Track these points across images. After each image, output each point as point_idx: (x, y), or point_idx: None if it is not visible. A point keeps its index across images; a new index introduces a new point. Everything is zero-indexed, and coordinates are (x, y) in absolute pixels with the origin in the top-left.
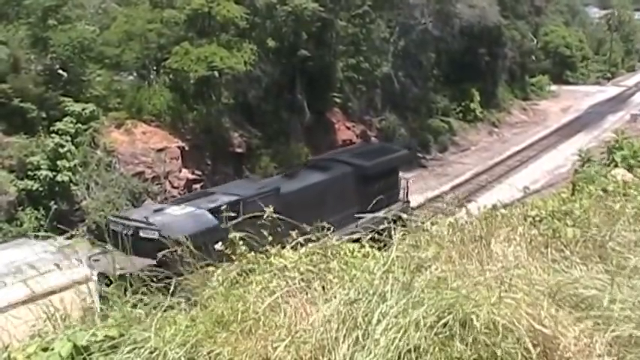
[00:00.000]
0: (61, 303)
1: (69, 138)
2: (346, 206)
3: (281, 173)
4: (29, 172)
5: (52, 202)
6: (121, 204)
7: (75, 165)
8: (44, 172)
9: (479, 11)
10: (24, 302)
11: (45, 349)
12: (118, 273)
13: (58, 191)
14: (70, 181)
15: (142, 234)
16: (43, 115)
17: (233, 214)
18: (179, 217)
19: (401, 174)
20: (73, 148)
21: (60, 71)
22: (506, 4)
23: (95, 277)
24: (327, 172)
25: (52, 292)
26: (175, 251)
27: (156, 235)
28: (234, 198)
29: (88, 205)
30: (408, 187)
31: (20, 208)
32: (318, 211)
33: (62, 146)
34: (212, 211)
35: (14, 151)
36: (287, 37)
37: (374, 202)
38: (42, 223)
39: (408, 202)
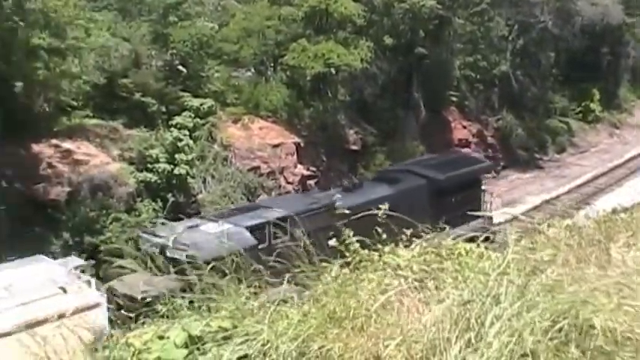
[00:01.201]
0: (60, 331)
1: (187, 132)
2: (415, 224)
3: (342, 186)
4: (148, 165)
5: (170, 195)
6: (236, 198)
7: (192, 158)
8: (163, 165)
9: (601, 9)
10: (9, 334)
11: (161, 337)
12: (140, 296)
13: (176, 184)
14: (188, 174)
15: (168, 253)
16: (163, 109)
17: (275, 232)
18: (211, 235)
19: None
20: (190, 142)
21: (179, 67)
22: (630, 1)
23: (104, 302)
24: (395, 186)
25: (48, 320)
26: (202, 274)
27: (182, 256)
28: (279, 214)
29: (204, 199)
30: (491, 201)
31: (139, 200)
32: (381, 230)
33: (180, 140)
34: (251, 228)
35: (134, 144)
36: (404, 35)
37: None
38: (159, 214)
39: (491, 217)
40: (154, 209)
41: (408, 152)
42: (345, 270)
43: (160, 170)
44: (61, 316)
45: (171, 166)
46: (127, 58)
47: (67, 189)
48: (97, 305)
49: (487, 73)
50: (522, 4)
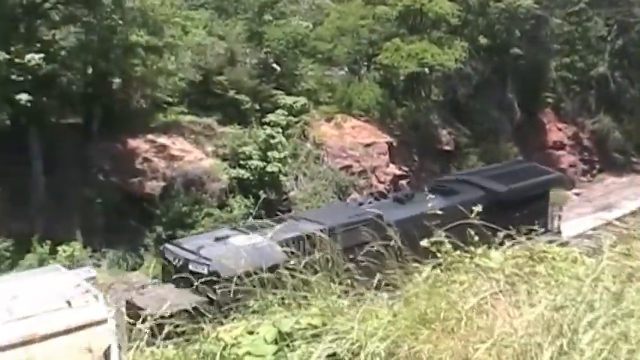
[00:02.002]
0: (58, 349)
1: (280, 130)
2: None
3: (393, 197)
4: (241, 162)
5: (261, 192)
6: (327, 196)
7: (285, 156)
8: (255, 162)
9: None
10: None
11: (251, 333)
12: (157, 311)
13: (268, 181)
14: (280, 171)
15: (191, 267)
16: (257, 106)
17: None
18: (238, 249)
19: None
20: (283, 139)
21: (274, 65)
22: None
23: (111, 318)
24: (450, 198)
25: (46, 337)
26: (228, 290)
27: (205, 270)
28: (317, 227)
29: (296, 196)
30: (560, 215)
31: (231, 196)
32: (410, 254)
33: (273, 137)
34: (285, 242)
35: (228, 141)
36: (499, 35)
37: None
38: (251, 211)
39: (559, 232)
40: (245, 205)
41: (502, 154)
42: (436, 271)
43: (252, 167)
44: (60, 333)
45: (264, 164)
46: (222, 56)
47: (162, 183)
48: (102, 322)
49: (584, 74)
50: (622, 4)
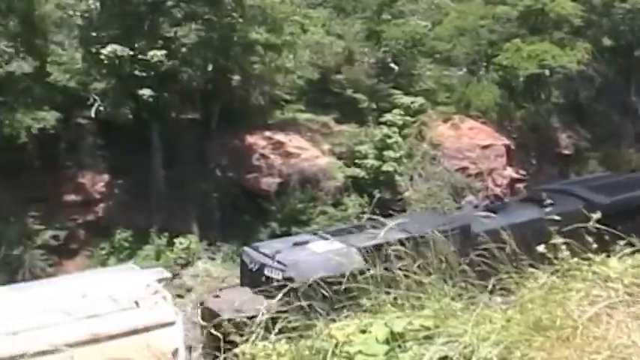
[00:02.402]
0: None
1: (396, 130)
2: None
3: (484, 206)
4: (357, 160)
5: (376, 191)
6: (442, 197)
7: (400, 156)
8: (371, 161)
9: None
10: (62, 350)
11: (363, 331)
12: (227, 316)
13: (383, 180)
14: (395, 171)
15: (266, 272)
16: (373, 106)
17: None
18: (315, 255)
19: None
20: (399, 139)
21: (391, 64)
22: None
23: (179, 320)
24: (545, 209)
25: (112, 337)
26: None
27: (279, 275)
28: (400, 235)
29: (410, 197)
30: None
31: (346, 194)
32: (525, 259)
33: (389, 137)
34: (365, 249)
35: (344, 140)
36: (624, 36)
37: None
38: (365, 210)
39: None
40: (360, 204)
41: (624, 160)
42: (553, 278)
43: (368, 166)
44: (127, 334)
45: (379, 163)
46: (340, 54)
47: (278, 180)
48: (170, 324)
49: None
50: None
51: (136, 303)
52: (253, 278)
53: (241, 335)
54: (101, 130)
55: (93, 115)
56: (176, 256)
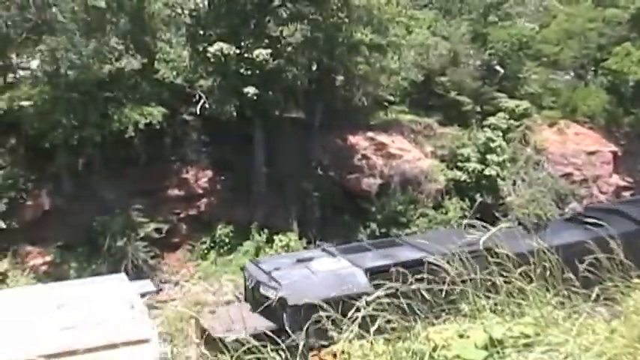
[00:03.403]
0: None
1: (500, 133)
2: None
3: (521, 224)
4: (459, 163)
5: (478, 195)
6: (545, 203)
7: (503, 160)
8: (473, 165)
9: None
10: None
11: (461, 336)
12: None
13: (485, 184)
14: (498, 175)
15: (261, 289)
16: (477, 109)
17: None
18: (314, 275)
19: None
20: (503, 143)
21: (497, 67)
22: None
23: (155, 338)
24: (592, 231)
25: (80, 351)
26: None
27: (273, 295)
28: (417, 255)
29: (513, 202)
30: None
31: (447, 197)
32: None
33: (493, 141)
34: (371, 271)
35: (447, 142)
36: None
37: None
38: (466, 213)
39: None
40: (461, 208)
41: None
42: None
43: (470, 170)
44: (102, 348)
45: (482, 167)
46: (445, 56)
47: (379, 181)
48: (144, 341)
49: None
50: None
51: (112, 317)
52: (251, 295)
53: (230, 354)
54: (205, 127)
55: (198, 111)
56: (275, 253)
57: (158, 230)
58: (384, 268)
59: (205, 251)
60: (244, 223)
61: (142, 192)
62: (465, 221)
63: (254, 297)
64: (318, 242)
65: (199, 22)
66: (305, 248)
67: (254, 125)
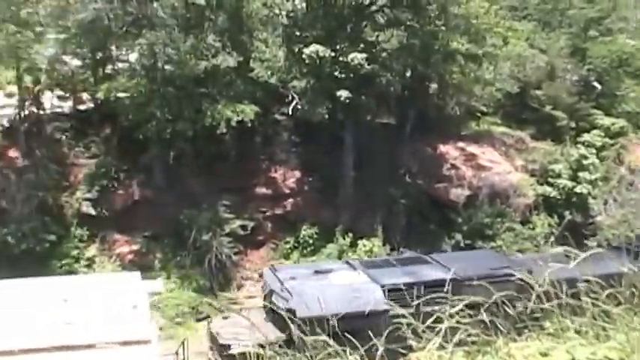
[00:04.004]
0: None
1: (594, 151)
2: None
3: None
4: (549, 179)
5: (567, 212)
6: (636, 225)
7: (596, 179)
8: (564, 181)
9: None
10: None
11: (543, 354)
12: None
13: (575, 202)
14: (589, 193)
15: (274, 298)
16: (572, 124)
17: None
18: (329, 288)
19: None
20: (596, 161)
21: (594, 83)
22: None
23: (155, 339)
24: (629, 261)
25: (80, 347)
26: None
27: (283, 306)
28: (440, 275)
29: (603, 222)
30: None
31: (535, 213)
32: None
33: (586, 158)
34: (389, 288)
35: (538, 157)
36: None
37: None
38: (553, 230)
39: None
40: (549, 224)
41: None
42: None
43: (560, 186)
44: (99, 346)
45: (573, 184)
46: (542, 69)
47: (467, 192)
48: (145, 342)
49: None
50: None
51: (114, 316)
52: (267, 302)
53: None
54: (296, 128)
55: (290, 112)
56: (358, 257)
57: (244, 227)
58: (403, 286)
59: (289, 251)
60: (329, 225)
61: (230, 188)
62: (552, 238)
63: (268, 304)
64: (401, 249)
65: (296, 23)
66: (388, 254)
67: (345, 128)
